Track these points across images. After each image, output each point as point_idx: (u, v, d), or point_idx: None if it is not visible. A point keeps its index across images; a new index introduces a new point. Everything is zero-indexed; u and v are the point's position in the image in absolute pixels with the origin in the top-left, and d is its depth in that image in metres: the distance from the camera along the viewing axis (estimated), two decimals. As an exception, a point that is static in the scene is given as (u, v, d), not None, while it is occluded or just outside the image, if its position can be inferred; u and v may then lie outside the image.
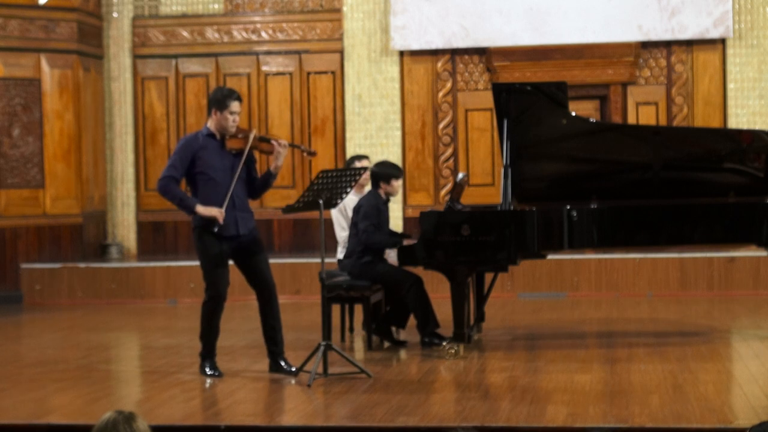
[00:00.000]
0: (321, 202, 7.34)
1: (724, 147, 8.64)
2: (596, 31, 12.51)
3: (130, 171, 13.42)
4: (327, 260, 7.90)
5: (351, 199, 8.82)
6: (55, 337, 9.85)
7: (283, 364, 7.45)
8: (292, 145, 7.76)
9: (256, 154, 7.64)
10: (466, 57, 12.98)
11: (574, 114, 8.40)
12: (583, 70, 12.65)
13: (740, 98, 12.47)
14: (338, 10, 13.12)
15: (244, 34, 13.36)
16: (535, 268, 11.54)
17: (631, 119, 12.62)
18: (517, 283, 11.66)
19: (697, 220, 8.13)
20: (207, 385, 7.26)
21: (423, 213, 8.20)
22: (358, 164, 8.91)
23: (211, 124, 7.40)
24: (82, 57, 12.86)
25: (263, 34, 13.34)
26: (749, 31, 12.45)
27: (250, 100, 13.16)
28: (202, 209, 7.24)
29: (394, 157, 12.69)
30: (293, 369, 7.38)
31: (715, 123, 12.53)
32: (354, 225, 8.57)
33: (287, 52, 13.31)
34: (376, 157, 11.33)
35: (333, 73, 13.21)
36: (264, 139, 7.48)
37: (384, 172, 8.54)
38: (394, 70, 12.94)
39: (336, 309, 9.05)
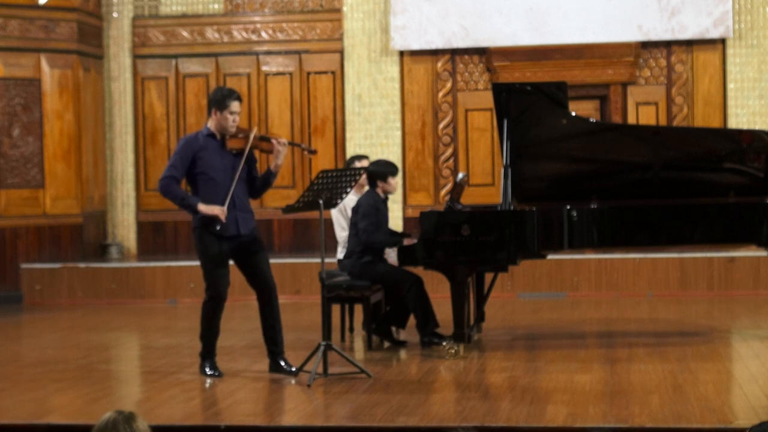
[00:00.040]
0: (321, 202, 7.34)
1: (724, 147, 8.64)
2: (596, 31, 12.51)
3: (130, 171, 13.42)
4: (327, 260, 7.90)
5: (351, 199, 8.82)
6: (55, 337, 9.85)
7: (283, 364, 7.45)
8: (291, 144, 7.76)
9: (257, 154, 7.64)
10: (466, 57, 12.98)
11: (574, 114, 8.40)
12: (583, 70, 12.65)
13: (740, 98, 12.47)
14: (338, 10, 13.13)
15: (244, 34, 13.36)
16: (535, 268, 11.55)
17: (631, 119, 12.62)
18: (517, 283, 11.66)
19: (697, 220, 8.13)
20: (207, 385, 7.26)
21: (423, 213, 8.20)
22: (358, 164, 8.91)
23: (211, 124, 7.40)
24: (82, 57, 12.87)
25: (263, 34, 13.34)
26: (749, 31, 12.45)
27: (250, 100, 13.17)
28: (204, 208, 7.24)
29: (394, 157, 12.69)
30: (293, 369, 7.38)
31: (715, 123, 12.53)
32: (353, 225, 8.57)
33: (287, 52, 13.31)
34: (376, 157, 11.31)
35: (333, 73, 13.21)
36: (264, 138, 7.48)
37: (380, 171, 8.55)
38: (394, 70, 12.94)
39: (336, 309, 9.05)
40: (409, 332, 8.74)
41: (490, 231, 7.95)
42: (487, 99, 11.31)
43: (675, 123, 12.57)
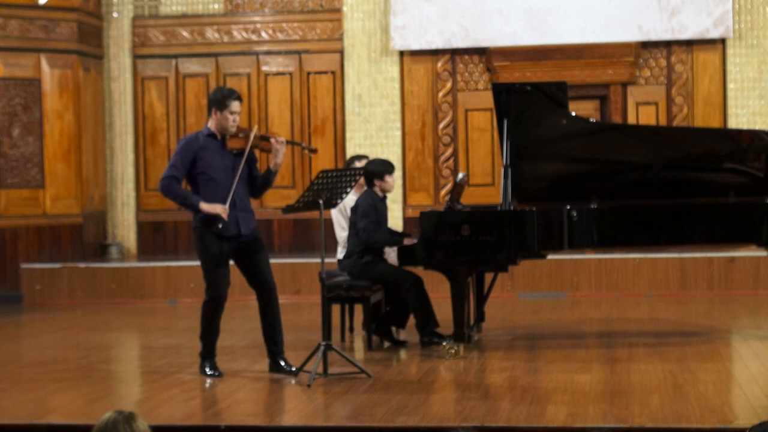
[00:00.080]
0: (321, 202, 7.34)
1: (724, 147, 8.64)
2: (596, 31, 12.51)
3: (130, 171, 13.42)
4: (327, 260, 7.90)
5: (351, 199, 8.82)
6: (55, 337, 9.85)
7: (283, 364, 7.45)
8: (291, 142, 7.75)
9: (257, 153, 7.63)
10: (466, 57, 12.98)
11: (574, 114, 8.40)
12: (583, 70, 12.65)
13: (740, 98, 12.47)
14: (338, 10, 13.12)
15: (244, 34, 13.36)
16: (535, 268, 11.54)
17: (631, 119, 12.62)
18: (517, 283, 11.66)
19: (697, 220, 8.14)
20: (207, 385, 7.26)
21: (423, 213, 8.21)
22: (358, 164, 8.91)
23: (211, 124, 7.40)
24: (82, 57, 12.87)
25: (263, 34, 13.34)
26: (749, 31, 12.45)
27: (250, 100, 13.17)
28: (206, 206, 7.24)
29: (394, 157, 12.69)
30: (293, 369, 7.38)
31: (715, 123, 12.53)
32: (352, 225, 8.57)
33: (287, 52, 13.31)
34: (376, 157, 11.31)
35: (333, 73, 13.21)
36: (264, 138, 7.48)
37: (377, 170, 8.55)
38: (394, 70, 12.94)
39: (336, 309, 9.05)
40: (409, 332, 8.74)
41: (490, 231, 7.96)
42: (487, 99, 11.31)
43: (675, 123, 12.57)
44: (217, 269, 7.34)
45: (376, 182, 8.54)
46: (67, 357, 8.60)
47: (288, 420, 6.32)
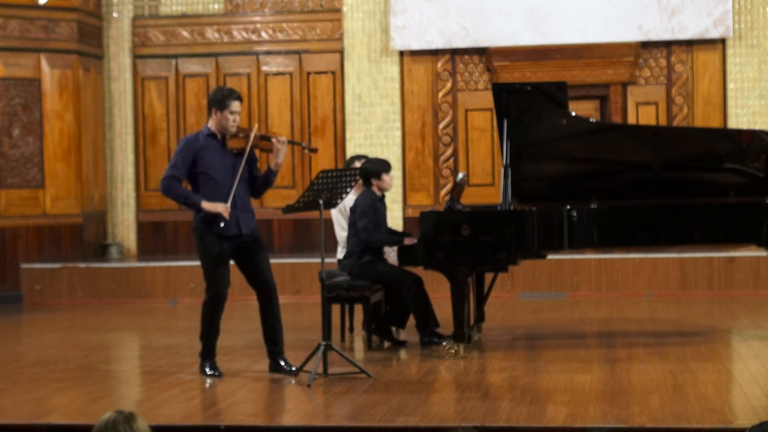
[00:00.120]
0: (321, 202, 7.34)
1: (724, 147, 8.64)
2: (596, 31, 12.51)
3: (130, 171, 13.42)
4: (327, 260, 7.90)
5: (351, 199, 8.81)
6: (55, 337, 9.85)
7: (283, 364, 7.45)
8: (291, 142, 7.75)
9: (257, 153, 7.63)
10: (466, 57, 12.98)
11: (574, 114, 8.40)
12: (583, 70, 12.65)
13: (740, 98, 12.47)
14: (338, 10, 13.12)
15: (244, 34, 13.36)
16: (535, 268, 11.54)
17: (631, 119, 12.62)
18: (517, 283, 11.66)
19: (697, 220, 8.13)
20: (207, 385, 7.26)
21: (423, 213, 8.20)
22: (358, 164, 8.91)
23: (211, 124, 7.41)
24: (82, 57, 12.87)
25: (263, 34, 13.34)
26: (749, 31, 12.45)
27: (250, 100, 13.16)
28: (207, 205, 7.24)
29: (394, 157, 12.70)
30: (293, 369, 7.38)
31: (715, 123, 12.53)
32: (351, 225, 8.57)
33: (287, 52, 13.31)
34: (376, 156, 11.31)
35: (333, 73, 13.21)
36: (264, 138, 7.48)
37: (373, 169, 8.56)
38: (394, 70, 12.94)
39: (336, 309, 9.05)
40: (409, 332, 8.74)
41: (490, 231, 7.96)
42: (487, 99, 11.31)
43: (675, 123, 12.57)
44: (218, 269, 7.34)
45: (374, 181, 8.55)
46: (67, 357, 8.60)
47: (288, 420, 6.32)
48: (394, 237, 8.52)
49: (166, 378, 7.51)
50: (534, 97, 8.27)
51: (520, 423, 5.89)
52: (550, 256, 9.16)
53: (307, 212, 7.63)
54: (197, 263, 7.54)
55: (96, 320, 10.93)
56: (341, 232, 9.03)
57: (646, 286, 11.55)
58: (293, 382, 7.23)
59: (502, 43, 12.64)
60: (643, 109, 12.69)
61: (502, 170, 8.16)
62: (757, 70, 12.43)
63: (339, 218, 9.10)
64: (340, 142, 13.11)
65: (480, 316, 8.99)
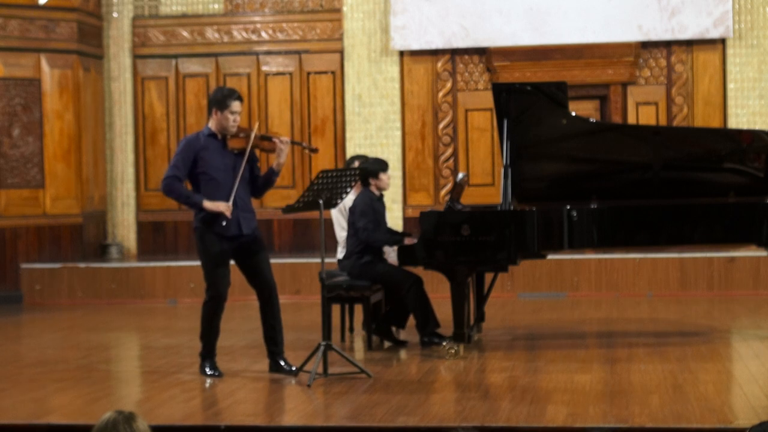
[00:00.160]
0: (321, 202, 7.34)
1: (724, 147, 8.64)
2: (596, 31, 12.51)
3: (130, 171, 13.42)
4: (327, 260, 7.90)
5: (351, 199, 8.82)
6: (55, 337, 9.85)
7: (283, 364, 7.45)
8: (293, 142, 7.75)
9: (258, 153, 7.63)
10: (466, 57, 12.98)
11: (574, 114, 8.39)
12: (583, 70, 12.65)
13: (740, 98, 12.47)
14: (338, 10, 13.12)
15: (244, 34, 13.36)
16: (535, 268, 11.54)
17: (631, 119, 12.62)
18: (517, 283, 11.66)
19: (697, 220, 8.13)
20: (207, 385, 7.26)
21: (423, 213, 8.20)
22: (358, 164, 8.91)
23: (212, 124, 7.41)
24: (82, 57, 12.87)
25: (263, 34, 13.34)
26: (749, 31, 12.45)
27: (250, 100, 13.16)
28: (209, 204, 7.24)
29: (394, 157, 12.70)
30: (293, 369, 7.38)
31: (715, 123, 12.53)
32: (351, 225, 8.57)
33: (287, 52, 13.31)
34: (376, 156, 11.31)
35: (333, 73, 13.21)
36: (265, 137, 7.48)
37: (371, 168, 8.57)
38: (394, 70, 12.94)
39: (336, 309, 9.05)
40: (409, 332, 8.74)
41: (490, 231, 7.95)
42: (487, 99, 11.31)
43: (675, 123, 12.57)
44: (218, 269, 7.34)
45: (372, 181, 8.55)
46: (67, 357, 8.60)
47: (288, 420, 6.32)
48: (394, 237, 8.52)
49: (166, 378, 7.51)
50: (534, 97, 8.27)
51: (520, 423, 5.89)
52: (550, 256, 9.16)
53: (307, 212, 7.63)
54: (197, 263, 7.54)
55: (96, 320, 10.93)
56: (341, 232, 9.03)
57: (646, 286, 11.55)
58: (293, 382, 7.23)
59: (502, 43, 12.64)
60: (643, 109, 12.69)
61: (502, 170, 8.16)
62: (757, 70, 12.43)
63: (339, 218, 9.10)
64: (340, 142, 13.11)
65: (480, 316, 9.00)
